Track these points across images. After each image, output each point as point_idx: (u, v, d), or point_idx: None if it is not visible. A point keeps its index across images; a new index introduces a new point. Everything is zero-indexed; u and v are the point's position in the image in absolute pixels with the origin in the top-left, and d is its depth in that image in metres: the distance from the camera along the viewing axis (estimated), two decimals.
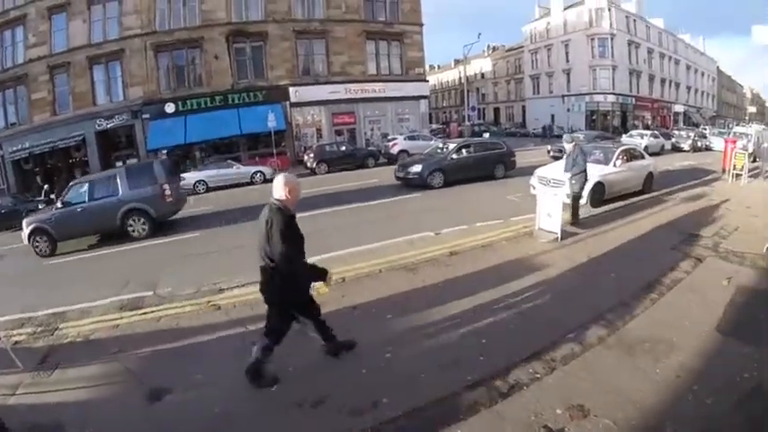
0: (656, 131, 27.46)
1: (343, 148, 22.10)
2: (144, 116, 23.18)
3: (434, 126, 43.85)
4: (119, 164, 20.44)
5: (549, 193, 7.73)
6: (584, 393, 3.21)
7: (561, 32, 47.08)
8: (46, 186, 19.68)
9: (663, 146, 24.10)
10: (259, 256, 3.39)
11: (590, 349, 3.86)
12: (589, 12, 43.93)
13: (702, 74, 58.55)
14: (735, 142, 13.38)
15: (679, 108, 51.39)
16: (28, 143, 23.16)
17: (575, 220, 7.97)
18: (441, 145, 16.17)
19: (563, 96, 46.17)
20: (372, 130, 27.46)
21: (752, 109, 62.75)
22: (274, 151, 22.81)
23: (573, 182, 8.04)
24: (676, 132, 29.43)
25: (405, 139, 23.18)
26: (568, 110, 44.37)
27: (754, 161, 13.97)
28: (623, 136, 26.26)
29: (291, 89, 24.68)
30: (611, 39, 43.17)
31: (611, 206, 9.35)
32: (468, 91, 43.14)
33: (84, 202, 10.08)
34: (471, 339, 4.11)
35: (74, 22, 23.02)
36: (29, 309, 6.03)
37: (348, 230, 8.81)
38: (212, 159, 21.66)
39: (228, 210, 12.83)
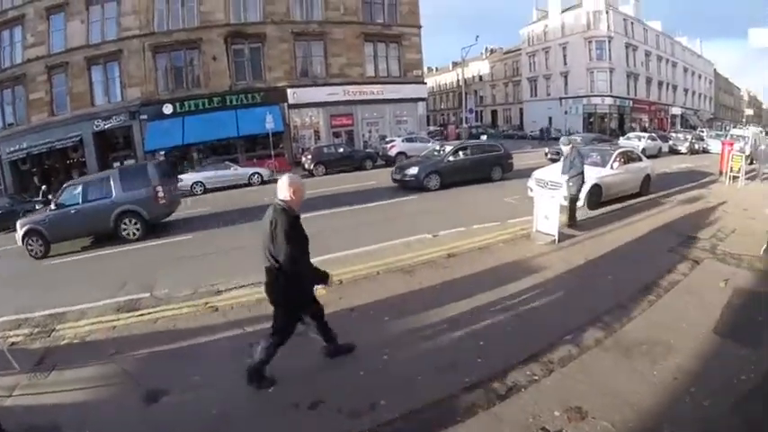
0: (653, 134, 27.62)
1: (341, 149, 22.15)
2: (142, 117, 23.14)
3: (432, 128, 44.08)
4: (116, 165, 20.35)
5: (546, 195, 7.72)
6: (582, 395, 3.22)
7: (559, 35, 47.23)
8: (43, 187, 19.61)
9: (660, 148, 24.17)
10: (264, 256, 3.37)
11: (587, 351, 3.86)
12: (587, 14, 44.06)
13: (700, 76, 58.78)
14: (732, 145, 13.44)
15: (676, 111, 51.60)
16: (25, 143, 23.11)
17: (572, 222, 7.96)
18: (438, 147, 16.17)
19: (560, 99, 46.31)
20: (370, 131, 27.51)
21: (749, 111, 63.20)
22: (272, 153, 22.83)
23: (570, 184, 8.04)
24: (674, 135, 29.49)
25: (402, 141, 23.21)
26: (566, 112, 44.48)
27: (751, 163, 14.00)
28: (621, 138, 26.33)
29: (289, 91, 24.69)
30: (609, 41, 43.29)
31: (609, 208, 9.36)
32: (465, 93, 43.17)
33: (78, 203, 10.03)
34: (468, 341, 4.11)
35: (72, 23, 23.00)
36: (24, 310, 6.00)
37: (346, 232, 8.80)
38: (210, 161, 21.59)
39: (226, 211, 12.82)
